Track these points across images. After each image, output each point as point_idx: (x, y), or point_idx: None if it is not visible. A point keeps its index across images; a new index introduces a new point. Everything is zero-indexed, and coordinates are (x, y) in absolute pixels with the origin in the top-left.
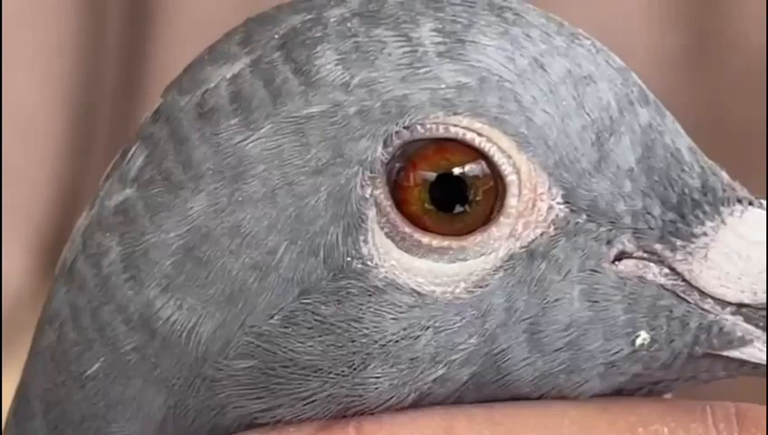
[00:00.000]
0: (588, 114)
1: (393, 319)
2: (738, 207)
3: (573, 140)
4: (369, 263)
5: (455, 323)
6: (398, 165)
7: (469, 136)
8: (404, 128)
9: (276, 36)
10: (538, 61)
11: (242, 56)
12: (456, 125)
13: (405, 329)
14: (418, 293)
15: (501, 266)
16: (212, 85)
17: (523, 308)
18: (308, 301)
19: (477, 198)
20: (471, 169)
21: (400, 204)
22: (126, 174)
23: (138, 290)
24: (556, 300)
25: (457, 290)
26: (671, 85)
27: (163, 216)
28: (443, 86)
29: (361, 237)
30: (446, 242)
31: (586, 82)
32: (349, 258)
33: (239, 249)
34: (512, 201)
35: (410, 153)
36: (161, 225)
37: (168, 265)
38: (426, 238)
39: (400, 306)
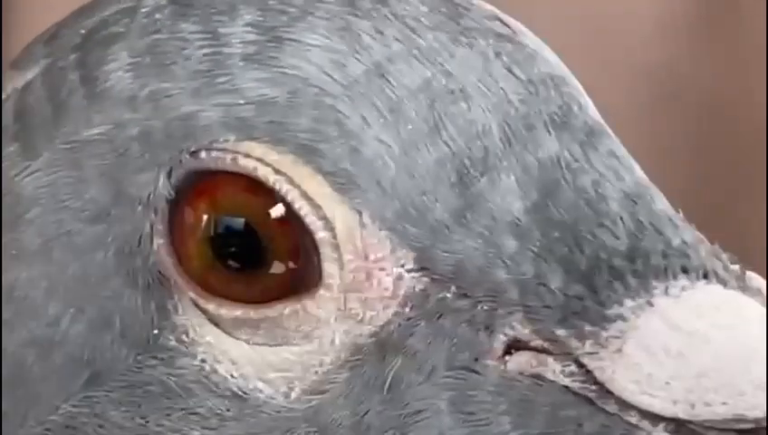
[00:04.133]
0: (447, 143)
1: (203, 428)
2: (681, 281)
3: (421, 181)
4: (183, 338)
5: None
6: (180, 203)
7: (262, 172)
8: (189, 154)
9: (82, 32)
10: (381, 67)
11: (40, 59)
12: (247, 155)
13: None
14: (240, 396)
15: (344, 364)
16: (4, 96)
17: (377, 425)
18: (96, 393)
19: (275, 258)
20: (263, 216)
21: (181, 257)
22: None
23: None
24: (419, 412)
25: (291, 395)
26: (672, 54)
27: None
28: (241, 101)
29: (170, 302)
30: (238, 311)
31: (453, 97)
32: (156, 330)
33: (15, 319)
34: (329, 268)
35: (191, 188)
36: None
37: None
38: (211, 305)
39: (210, 417)
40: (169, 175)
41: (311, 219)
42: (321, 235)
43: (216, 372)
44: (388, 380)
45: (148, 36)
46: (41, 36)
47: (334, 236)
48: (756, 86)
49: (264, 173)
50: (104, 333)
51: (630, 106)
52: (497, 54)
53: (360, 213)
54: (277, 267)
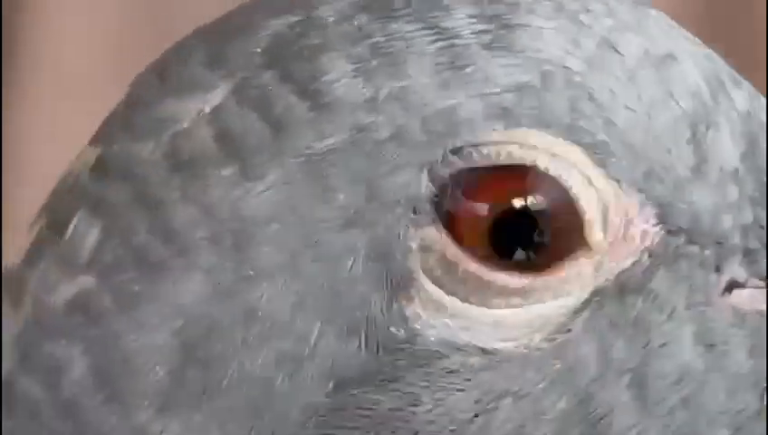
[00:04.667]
0: (678, 104)
1: (460, 390)
2: None
3: (665, 141)
4: (416, 326)
5: (537, 384)
6: (451, 197)
7: (540, 159)
8: (451, 152)
9: (258, 50)
10: (608, 41)
11: (217, 82)
12: (520, 144)
13: (477, 401)
14: (484, 350)
15: (584, 306)
16: (184, 125)
17: (622, 356)
18: (348, 394)
19: (547, 239)
20: (541, 201)
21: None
22: (72, 256)
23: (122, 415)
24: (662, 345)
25: (533, 342)
26: None
27: (145, 309)
28: (497, 90)
29: (405, 296)
30: (526, 281)
31: (669, 62)
32: (392, 328)
33: (258, 341)
34: (596, 235)
35: (463, 186)
36: (144, 322)
37: (161, 375)
38: (494, 275)
39: (465, 372)
40: (431, 174)
41: (585, 194)
42: (593, 208)
43: (453, 340)
44: (632, 317)
45: (361, 42)
46: (182, 64)
47: (604, 206)
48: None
49: (543, 160)
50: (351, 342)
51: None
52: (668, 23)
53: (617, 181)
54: (547, 250)
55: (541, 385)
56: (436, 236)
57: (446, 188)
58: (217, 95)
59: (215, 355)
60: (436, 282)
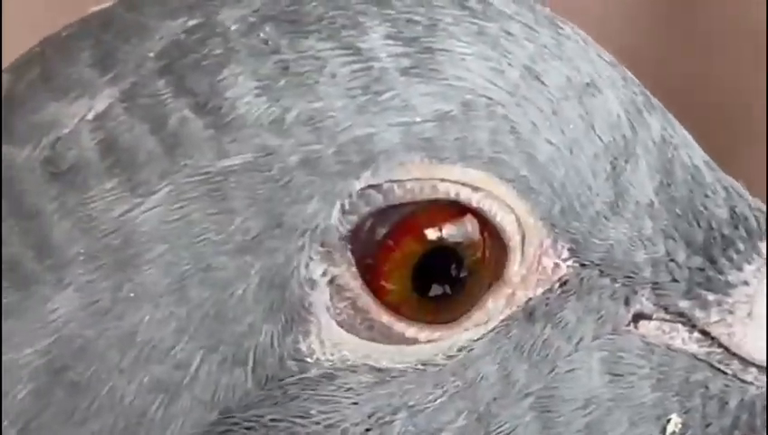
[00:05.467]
0: (600, 137)
1: (353, 404)
2: None
3: (585, 177)
4: (308, 360)
5: (436, 398)
6: (369, 235)
7: (464, 194)
8: (370, 187)
9: (152, 55)
10: (531, 70)
11: (103, 85)
12: (444, 179)
13: (371, 415)
14: (379, 369)
15: (490, 330)
16: (66, 131)
17: (525, 379)
18: (232, 421)
19: (466, 274)
20: (466, 235)
21: (372, 287)
22: None
23: None
24: (569, 371)
25: (432, 359)
26: (633, 42)
27: (12, 324)
28: (418, 118)
29: (302, 330)
30: (436, 334)
31: (591, 91)
32: (284, 361)
33: (134, 366)
34: (514, 266)
35: (388, 223)
36: (10, 336)
37: (24, 394)
38: (409, 330)
39: (358, 389)
40: (343, 207)
41: (510, 229)
42: (515, 240)
43: (347, 365)
44: (539, 343)
45: (267, 57)
46: (68, 64)
47: (523, 236)
48: (721, 70)
49: (467, 195)
50: (236, 372)
51: None
52: (585, 41)
53: (536, 212)
54: (467, 286)
55: (438, 401)
56: (349, 280)
57: (363, 225)
58: (103, 100)
59: (86, 378)
60: (341, 324)
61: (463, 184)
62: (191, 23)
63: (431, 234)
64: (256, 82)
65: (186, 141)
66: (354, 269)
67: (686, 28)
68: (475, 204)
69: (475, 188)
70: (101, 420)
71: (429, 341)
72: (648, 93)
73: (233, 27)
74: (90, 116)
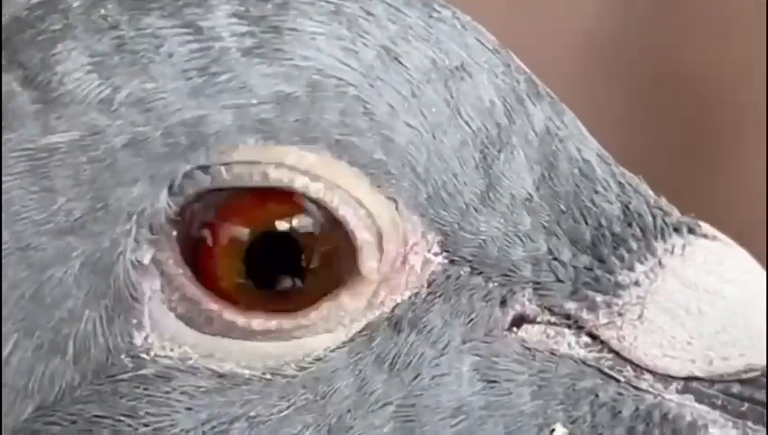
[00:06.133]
0: (467, 123)
1: (187, 409)
2: (677, 239)
3: (451, 163)
4: (143, 356)
5: (281, 411)
6: (196, 220)
7: (299, 182)
8: (199, 168)
9: None
10: (389, 50)
11: None
12: (278, 164)
13: (205, 422)
14: (220, 374)
15: (351, 340)
16: None
17: (382, 390)
18: (42, 428)
19: (314, 265)
20: (303, 224)
21: (202, 275)
22: None
23: None
24: (435, 378)
25: (281, 370)
26: (612, 26)
27: None
28: (254, 100)
29: (133, 321)
30: (273, 322)
31: (459, 75)
32: (114, 353)
33: None
34: (369, 263)
35: (214, 204)
36: None
37: None
38: (241, 318)
39: (194, 393)
40: (171, 189)
41: (354, 221)
42: (364, 234)
43: (187, 365)
44: (402, 353)
45: (104, 33)
46: None
47: (377, 231)
48: (712, 50)
49: (303, 184)
50: (53, 360)
51: (576, 75)
52: (464, 26)
53: (395, 202)
54: (314, 278)
55: (284, 413)
56: (174, 269)
57: (189, 208)
58: None
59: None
60: (180, 316)
61: (302, 172)
62: (34, 1)
63: (259, 217)
64: (89, 59)
65: (10, 115)
66: (179, 256)
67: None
68: (313, 194)
69: (315, 177)
70: None
71: (268, 332)
72: (537, 82)
73: (75, 4)
74: None
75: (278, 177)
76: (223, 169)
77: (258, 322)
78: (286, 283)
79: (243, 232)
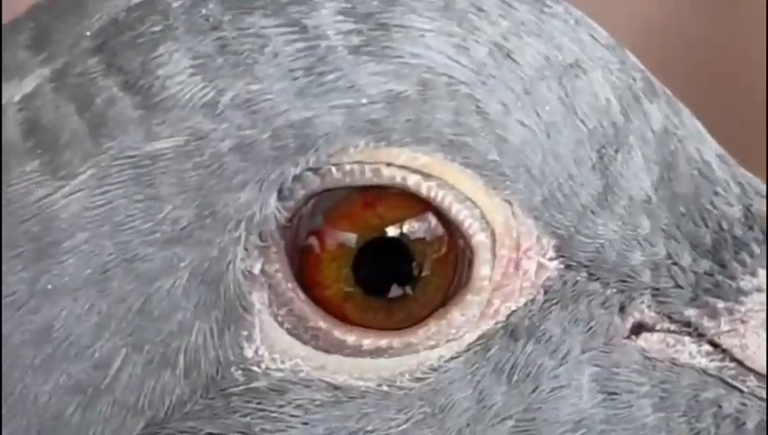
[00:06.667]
0: (583, 122)
1: (304, 424)
2: None
3: (567, 164)
4: (254, 369)
5: (399, 425)
6: (303, 228)
7: (412, 180)
8: (309, 169)
9: (88, 33)
10: (501, 46)
11: (35, 66)
12: (389, 163)
13: None
14: (336, 386)
15: (467, 349)
16: None
17: (502, 403)
18: (163, 433)
19: (426, 273)
20: (415, 228)
21: (308, 286)
22: None
23: None
24: (554, 390)
25: (398, 381)
26: (669, 16)
27: None
28: (364, 100)
29: (244, 333)
30: (383, 341)
31: (574, 72)
32: (225, 366)
33: (50, 364)
34: (482, 270)
35: (322, 208)
36: None
37: None
38: (351, 337)
39: (310, 407)
40: (281, 194)
41: (468, 223)
42: (478, 237)
43: (301, 377)
44: (520, 363)
45: (206, 34)
46: (8, 47)
47: (491, 235)
48: (755, 43)
49: (415, 182)
50: (164, 375)
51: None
52: (576, 21)
53: (510, 204)
54: (425, 287)
55: (401, 427)
56: (283, 283)
57: (298, 213)
58: (33, 81)
59: (2, 372)
60: (286, 328)
61: (413, 170)
62: (134, 1)
63: (369, 221)
64: (192, 61)
65: (111, 122)
66: (288, 269)
67: None
68: (425, 192)
69: (428, 176)
70: (14, 421)
71: (378, 350)
72: (653, 79)
73: (175, 4)
74: (17, 97)
75: (391, 174)
76: (333, 168)
77: (369, 341)
78: (396, 291)
79: (351, 238)
